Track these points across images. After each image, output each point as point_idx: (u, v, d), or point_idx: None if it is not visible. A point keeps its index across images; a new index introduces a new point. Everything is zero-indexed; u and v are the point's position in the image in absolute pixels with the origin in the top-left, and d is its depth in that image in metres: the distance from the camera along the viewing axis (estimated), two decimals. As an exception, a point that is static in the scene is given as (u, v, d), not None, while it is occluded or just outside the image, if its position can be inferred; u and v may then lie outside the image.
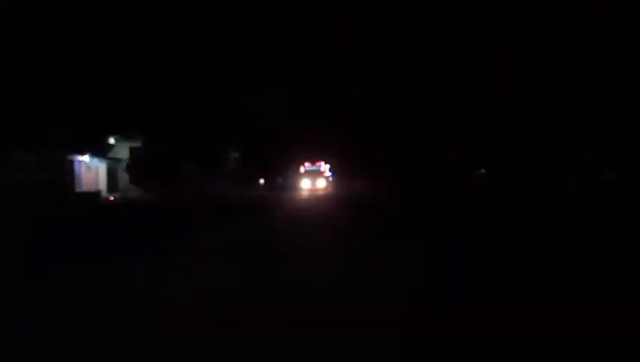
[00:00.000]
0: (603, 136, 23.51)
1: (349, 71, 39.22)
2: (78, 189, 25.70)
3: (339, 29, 40.87)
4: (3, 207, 16.77)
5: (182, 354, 3.04)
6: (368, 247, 7.29)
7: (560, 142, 25.39)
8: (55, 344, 3.27)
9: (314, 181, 38.39)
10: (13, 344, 3.31)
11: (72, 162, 25.47)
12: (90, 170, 28.04)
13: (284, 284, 4.88)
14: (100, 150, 28.15)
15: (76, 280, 5.33)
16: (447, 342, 3.14)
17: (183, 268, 5.93)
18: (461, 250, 6.87)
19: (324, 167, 40.57)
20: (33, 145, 22.24)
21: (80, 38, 23.86)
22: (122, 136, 30.68)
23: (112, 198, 27.17)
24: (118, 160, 31.32)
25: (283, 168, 43.53)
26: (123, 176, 31.50)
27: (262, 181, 42.85)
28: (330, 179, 43.89)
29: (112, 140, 30.11)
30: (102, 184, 29.56)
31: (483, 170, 34.20)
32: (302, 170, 39.60)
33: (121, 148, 31.39)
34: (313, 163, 39.57)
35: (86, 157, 26.64)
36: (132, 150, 31.50)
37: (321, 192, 33.46)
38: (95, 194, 26.68)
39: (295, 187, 38.89)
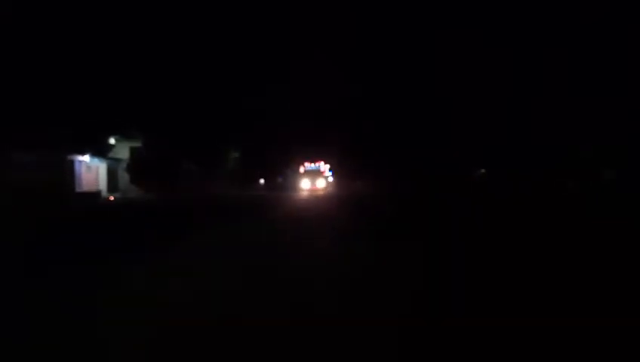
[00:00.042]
0: (603, 136, 23.49)
1: (349, 71, 39.23)
2: (78, 189, 25.70)
3: (339, 29, 40.86)
4: (3, 207, 16.77)
5: (182, 354, 3.04)
6: (368, 247, 7.29)
7: (560, 142, 25.37)
8: (55, 344, 3.28)
9: (313, 181, 38.35)
10: (14, 344, 3.31)
11: (72, 162, 25.47)
12: (91, 170, 28.04)
13: (284, 284, 4.88)
14: (100, 150, 28.15)
15: (76, 280, 5.34)
16: (447, 342, 3.15)
17: (183, 268, 5.94)
18: (461, 250, 6.87)
19: (324, 167, 40.55)
20: (33, 145, 22.25)
21: (80, 38, 23.86)
22: (122, 136, 30.69)
23: (112, 198, 27.17)
24: (118, 160, 31.33)
25: (283, 168, 43.53)
26: (123, 176, 31.51)
27: (262, 181, 42.85)
28: (331, 179, 43.87)
29: (112, 140, 30.12)
30: (102, 184, 29.56)
31: (483, 170, 34.19)
32: (301, 169, 39.57)
33: (121, 148, 31.40)
34: (313, 163, 39.54)
35: (86, 158, 26.65)
36: (132, 150, 31.51)
37: (321, 192, 33.44)
38: (95, 194, 26.68)
39: (295, 187, 38.88)
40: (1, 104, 20.58)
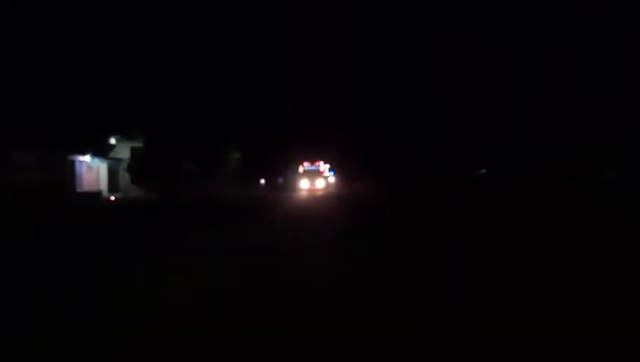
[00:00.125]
0: (603, 136, 23.49)
1: (349, 71, 39.26)
2: (79, 189, 25.69)
3: (339, 29, 40.89)
4: (3, 207, 16.77)
5: (182, 354, 3.05)
6: (368, 247, 7.29)
7: (560, 142, 25.37)
8: (55, 344, 3.28)
9: (313, 181, 38.27)
10: (14, 344, 3.32)
11: (73, 162, 25.47)
12: (91, 170, 28.04)
13: (284, 284, 4.89)
14: (100, 150, 28.15)
15: (76, 280, 5.34)
16: (447, 342, 3.15)
17: (183, 268, 5.94)
18: (461, 250, 6.88)
19: (324, 167, 40.49)
20: (34, 145, 22.23)
21: (80, 38, 23.87)
22: (123, 136, 30.69)
23: (113, 198, 27.17)
24: (119, 160, 31.33)
25: (283, 168, 43.53)
26: (124, 176, 31.51)
27: (262, 181, 42.85)
28: (331, 179, 43.82)
29: (113, 140, 30.12)
30: (103, 184, 29.55)
31: (484, 170, 34.19)
32: (301, 169, 39.49)
33: (122, 149, 31.40)
34: (312, 163, 39.47)
35: (87, 158, 26.64)
36: (133, 150, 31.51)
37: (320, 192, 33.42)
38: (96, 195, 26.68)
39: (295, 187, 38.86)
40: (1, 104, 20.58)
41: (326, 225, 10.78)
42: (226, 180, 37.39)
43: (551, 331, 3.28)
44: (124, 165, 31.20)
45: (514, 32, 26.30)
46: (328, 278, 5.14)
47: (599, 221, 10.30)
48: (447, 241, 7.81)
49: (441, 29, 30.25)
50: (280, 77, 38.02)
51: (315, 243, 7.90)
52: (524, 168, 27.88)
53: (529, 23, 25.68)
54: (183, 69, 29.38)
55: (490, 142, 29.51)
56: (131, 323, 3.69)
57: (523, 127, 26.78)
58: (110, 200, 26.14)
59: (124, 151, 31.59)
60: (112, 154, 30.36)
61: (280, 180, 43.85)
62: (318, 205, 19.02)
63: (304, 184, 38.05)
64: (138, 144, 31.03)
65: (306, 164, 39.24)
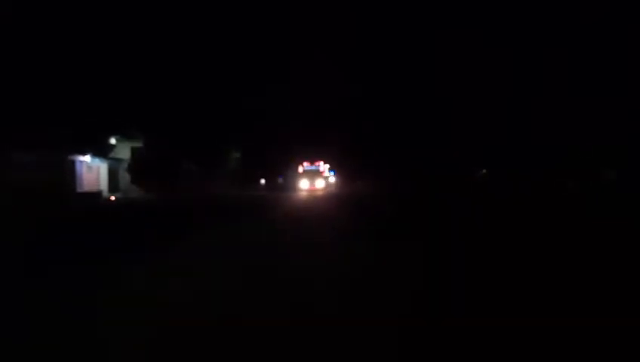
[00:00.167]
0: (603, 136, 23.49)
1: (349, 71, 39.26)
2: (79, 189, 25.70)
3: (339, 29, 40.89)
4: (3, 207, 16.77)
5: (182, 354, 3.05)
6: (368, 247, 7.29)
7: (560, 142, 25.37)
8: (55, 344, 3.28)
9: (312, 181, 38.22)
10: (14, 344, 3.32)
11: (73, 162, 25.47)
12: (92, 170, 28.04)
13: (284, 284, 4.89)
14: (101, 150, 28.15)
15: (76, 280, 5.34)
16: (447, 342, 3.15)
17: (183, 268, 5.94)
18: (461, 250, 6.88)
19: (323, 167, 40.45)
20: (34, 145, 22.23)
21: (81, 38, 23.87)
22: (123, 136, 30.69)
23: (113, 198, 27.17)
24: (119, 160, 31.33)
25: (283, 168, 43.53)
26: (124, 177, 31.51)
27: (263, 181, 42.85)
28: (333, 179, 43.80)
29: (113, 140, 30.12)
30: (103, 184, 29.56)
31: (484, 170, 34.20)
32: (300, 169, 39.43)
33: (122, 149, 31.41)
34: (312, 163, 39.42)
35: (87, 158, 26.64)
36: (133, 150, 31.52)
37: (320, 192, 33.40)
38: (96, 195, 26.69)
39: (295, 187, 38.84)
40: (1, 104, 20.58)
41: (326, 225, 10.78)
42: (226, 180, 37.39)
43: (551, 331, 3.28)
44: (125, 165, 31.20)
45: (514, 32, 26.31)
46: (328, 278, 5.14)
47: (599, 221, 10.29)
48: (447, 241, 7.81)
49: (441, 29, 30.26)
50: (280, 77, 38.04)
51: (315, 243, 7.90)
52: (524, 168, 27.89)
53: (529, 22, 25.69)
54: (183, 69, 29.38)
55: (490, 142, 29.52)
56: (131, 323, 3.69)
57: (523, 127, 26.78)
58: (110, 201, 26.14)
59: (124, 152, 31.59)
60: (112, 155, 30.37)
61: (280, 180, 43.85)
62: (318, 205, 19.02)
63: (304, 184, 37.99)
64: (138, 144, 31.04)
65: (305, 164, 39.18)
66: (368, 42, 36.75)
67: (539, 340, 3.12)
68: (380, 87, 37.16)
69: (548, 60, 25.24)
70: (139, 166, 30.00)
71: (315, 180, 38.25)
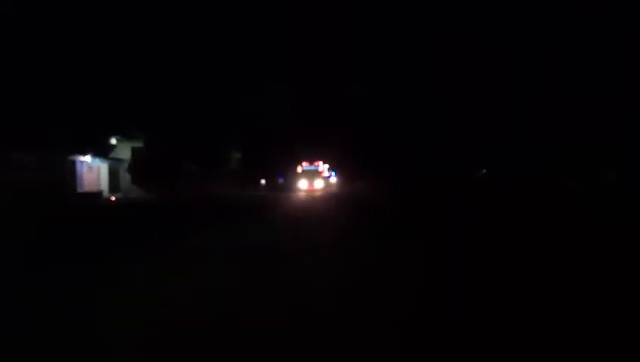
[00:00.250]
0: (603, 136, 23.49)
1: (349, 71, 39.29)
2: (79, 190, 25.69)
3: (339, 29, 40.92)
4: (3, 207, 16.77)
5: (182, 354, 3.05)
6: (368, 247, 7.29)
7: (560, 142, 25.37)
8: (55, 344, 3.28)
9: (312, 181, 38.15)
10: (14, 344, 3.32)
11: (73, 162, 25.46)
12: (92, 170, 28.03)
13: (284, 284, 4.89)
14: (101, 150, 28.15)
15: (76, 280, 5.34)
16: (447, 342, 3.15)
17: (183, 268, 5.94)
18: (461, 250, 6.88)
19: (323, 167, 40.40)
20: (34, 145, 22.22)
21: (81, 38, 23.88)
22: (124, 136, 30.69)
23: (113, 198, 27.17)
24: (119, 160, 31.32)
25: (283, 168, 43.54)
26: (125, 177, 31.50)
27: (263, 181, 42.86)
28: (334, 179, 43.76)
29: (113, 140, 30.12)
30: (103, 184, 29.55)
31: (484, 170, 34.20)
32: (299, 170, 39.36)
33: (122, 149, 31.40)
34: (311, 163, 39.36)
35: (88, 158, 26.64)
36: (134, 150, 31.51)
37: (320, 192, 33.38)
38: (97, 195, 26.68)
39: (295, 187, 38.82)
40: (1, 104, 20.58)
41: (326, 225, 10.78)
42: (226, 180, 37.38)
43: (551, 331, 3.28)
44: (125, 165, 31.20)
45: (514, 32, 26.31)
46: (328, 278, 5.14)
47: (599, 221, 10.30)
48: (447, 241, 7.81)
49: (441, 29, 30.27)
50: (280, 77, 38.07)
51: (315, 243, 7.90)
52: (524, 168, 27.88)
53: (529, 22, 25.69)
54: (183, 69, 29.40)
55: (490, 142, 29.51)
56: (131, 323, 3.69)
57: (523, 127, 26.78)
58: (111, 201, 26.14)
59: (124, 152, 31.58)
60: (112, 155, 30.36)
61: (280, 180, 43.85)
62: (318, 205, 19.02)
63: (303, 184, 37.90)
64: (139, 144, 31.04)
65: (304, 164, 39.11)
66: (368, 42, 36.81)
67: (539, 340, 3.12)
68: (379, 87, 37.19)
69: (548, 60, 25.24)
70: (139, 166, 30.00)
71: (314, 180, 38.14)
